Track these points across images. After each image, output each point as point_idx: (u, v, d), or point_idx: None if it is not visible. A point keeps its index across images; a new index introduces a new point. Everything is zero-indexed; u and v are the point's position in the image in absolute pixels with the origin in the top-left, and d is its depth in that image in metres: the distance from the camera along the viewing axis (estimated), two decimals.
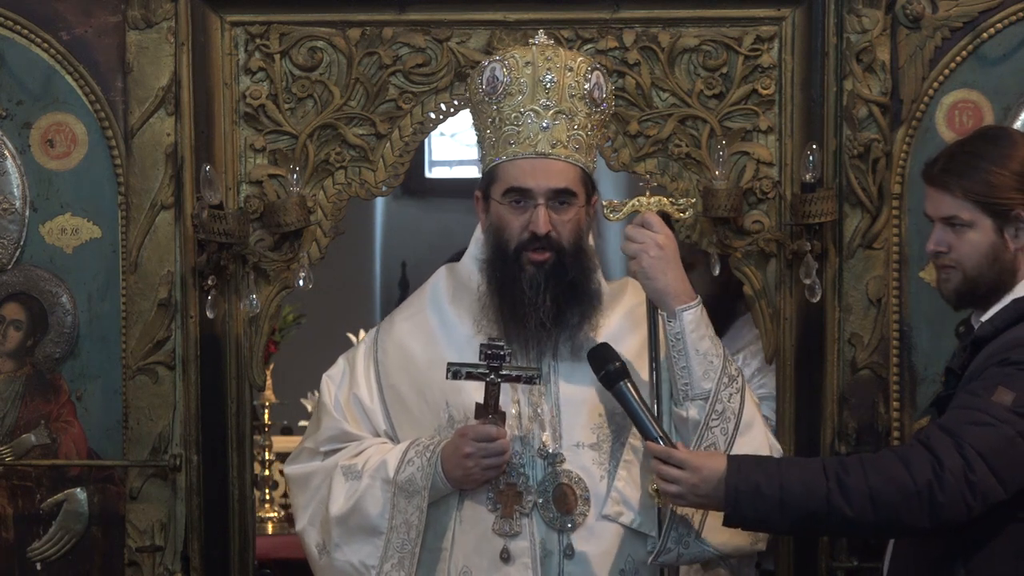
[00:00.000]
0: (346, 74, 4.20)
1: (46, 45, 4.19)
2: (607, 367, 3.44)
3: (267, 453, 6.37)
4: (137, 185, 4.18)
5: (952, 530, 3.27)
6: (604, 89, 3.60)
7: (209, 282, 4.13)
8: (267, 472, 6.38)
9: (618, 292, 3.67)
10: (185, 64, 4.16)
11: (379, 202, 10.40)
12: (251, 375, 4.25)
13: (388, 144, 4.23)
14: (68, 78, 4.21)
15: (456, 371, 3.46)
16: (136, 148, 4.17)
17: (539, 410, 3.54)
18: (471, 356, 3.49)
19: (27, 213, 4.24)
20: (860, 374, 4.13)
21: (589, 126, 3.56)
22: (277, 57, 4.21)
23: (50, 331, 4.25)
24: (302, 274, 4.17)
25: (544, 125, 3.51)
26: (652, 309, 3.52)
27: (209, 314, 4.14)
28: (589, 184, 3.58)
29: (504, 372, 3.44)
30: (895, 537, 3.49)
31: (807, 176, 4.06)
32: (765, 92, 4.18)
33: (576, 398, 3.53)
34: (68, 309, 4.24)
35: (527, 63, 3.54)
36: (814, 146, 4.07)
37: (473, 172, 11.45)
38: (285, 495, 6.55)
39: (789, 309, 4.19)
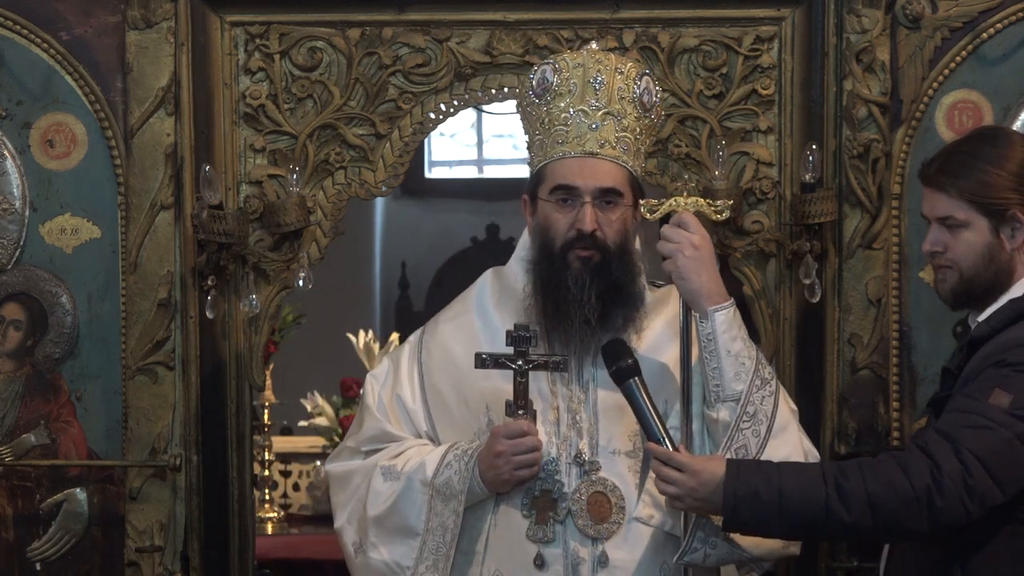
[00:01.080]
0: (346, 74, 4.21)
1: (46, 45, 4.20)
2: (619, 363, 3.43)
3: (267, 453, 6.37)
4: (137, 185, 4.18)
5: (951, 533, 3.27)
6: (653, 94, 3.59)
7: (209, 282, 4.13)
8: (267, 472, 6.38)
9: (663, 299, 3.65)
10: (185, 64, 4.16)
11: (379, 202, 10.40)
12: (251, 375, 4.26)
13: (388, 144, 4.23)
14: (68, 78, 4.21)
15: (484, 360, 3.47)
16: (136, 148, 4.17)
17: (577, 417, 3.53)
18: None
19: (27, 213, 4.24)
20: (860, 374, 4.13)
21: (638, 130, 3.55)
22: (277, 57, 4.21)
23: (50, 331, 4.25)
24: (302, 274, 4.17)
25: (593, 125, 3.51)
26: (686, 310, 3.51)
27: (209, 314, 4.14)
28: (636, 187, 3.56)
29: (531, 358, 3.44)
30: (894, 541, 3.48)
31: (807, 176, 4.06)
32: (765, 92, 4.18)
33: (615, 405, 3.51)
34: (68, 309, 4.24)
35: (577, 65, 3.54)
36: (814, 146, 4.07)
37: (473, 172, 11.47)
38: (285, 495, 6.56)
39: (789, 309, 4.19)
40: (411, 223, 10.92)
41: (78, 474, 4.25)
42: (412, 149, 4.25)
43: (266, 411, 6.38)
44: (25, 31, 4.20)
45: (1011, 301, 3.39)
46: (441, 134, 10.99)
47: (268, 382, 6.32)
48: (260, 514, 6.21)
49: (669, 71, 4.18)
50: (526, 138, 3.65)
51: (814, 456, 3.57)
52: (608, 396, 3.52)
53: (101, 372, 4.24)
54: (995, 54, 4.16)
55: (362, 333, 6.70)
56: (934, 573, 3.34)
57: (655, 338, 3.58)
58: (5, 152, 4.24)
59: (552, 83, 3.55)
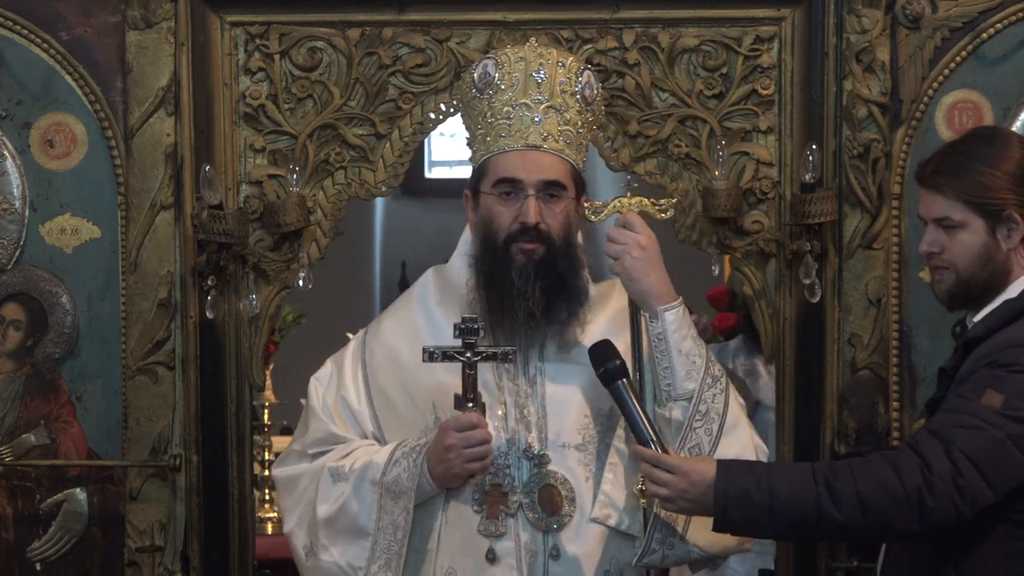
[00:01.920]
0: (346, 74, 4.20)
1: (46, 45, 4.20)
2: (607, 364, 3.43)
3: (267, 453, 6.37)
4: (137, 185, 4.18)
5: (943, 532, 3.27)
6: (595, 89, 3.61)
7: (209, 282, 4.13)
8: (267, 472, 6.38)
9: (606, 294, 3.67)
10: (185, 64, 4.16)
11: (379, 202, 10.41)
12: (251, 375, 4.26)
13: (388, 144, 4.23)
14: (68, 78, 4.21)
15: (432, 353, 3.45)
16: (136, 148, 4.17)
17: (525, 411, 3.54)
18: None
19: (27, 213, 4.25)
20: (860, 374, 4.13)
21: (580, 123, 3.57)
22: (277, 57, 4.21)
23: (50, 331, 4.26)
24: (302, 274, 4.17)
25: (535, 118, 3.52)
26: (635, 310, 3.52)
27: (209, 314, 4.14)
28: (579, 181, 3.58)
29: (479, 350, 3.43)
30: (885, 541, 3.49)
31: (807, 176, 4.06)
32: (765, 92, 4.18)
33: (562, 399, 3.53)
34: (68, 309, 4.24)
35: (519, 59, 3.56)
36: (814, 146, 4.07)
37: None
38: None
39: (789, 309, 4.19)
40: (411, 223, 10.93)
41: (78, 474, 4.25)
42: (412, 149, 4.25)
43: (266, 411, 6.38)
44: (25, 31, 4.20)
45: (1007, 301, 3.39)
46: (441, 134, 10.99)
47: (268, 382, 6.32)
48: (260, 514, 6.21)
49: (669, 71, 4.18)
50: (467, 133, 3.66)
51: (764, 452, 3.59)
52: (556, 390, 3.53)
53: (101, 372, 4.24)
54: (995, 54, 4.16)
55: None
56: (927, 573, 3.35)
57: (600, 332, 3.57)
58: (5, 152, 4.24)
59: (494, 77, 3.56)
